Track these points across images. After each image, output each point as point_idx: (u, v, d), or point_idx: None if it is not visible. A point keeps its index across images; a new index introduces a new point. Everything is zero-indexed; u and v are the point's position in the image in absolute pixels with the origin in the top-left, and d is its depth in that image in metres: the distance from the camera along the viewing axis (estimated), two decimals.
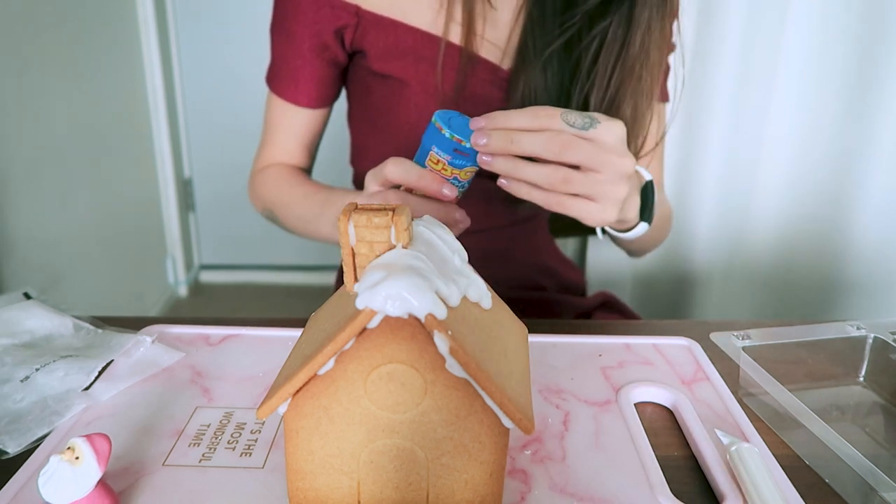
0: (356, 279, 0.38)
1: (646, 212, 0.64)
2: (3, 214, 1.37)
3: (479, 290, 0.40)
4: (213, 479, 0.44)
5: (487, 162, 0.53)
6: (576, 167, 0.52)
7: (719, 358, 0.59)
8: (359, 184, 0.87)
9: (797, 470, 0.46)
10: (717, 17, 1.23)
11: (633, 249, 0.85)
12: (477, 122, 0.53)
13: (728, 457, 0.44)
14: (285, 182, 0.79)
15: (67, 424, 0.49)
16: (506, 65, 0.74)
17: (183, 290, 2.30)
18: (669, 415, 0.52)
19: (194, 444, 0.47)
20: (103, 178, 1.79)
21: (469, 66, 0.72)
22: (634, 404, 0.53)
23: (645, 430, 0.49)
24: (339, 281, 0.95)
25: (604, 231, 0.72)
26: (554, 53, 0.71)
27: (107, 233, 1.82)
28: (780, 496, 0.41)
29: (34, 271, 1.49)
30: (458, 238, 0.44)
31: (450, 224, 0.55)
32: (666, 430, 0.51)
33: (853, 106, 1.21)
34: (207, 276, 2.44)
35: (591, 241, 1.50)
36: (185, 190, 2.30)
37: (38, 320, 0.59)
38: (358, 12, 0.71)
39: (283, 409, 0.38)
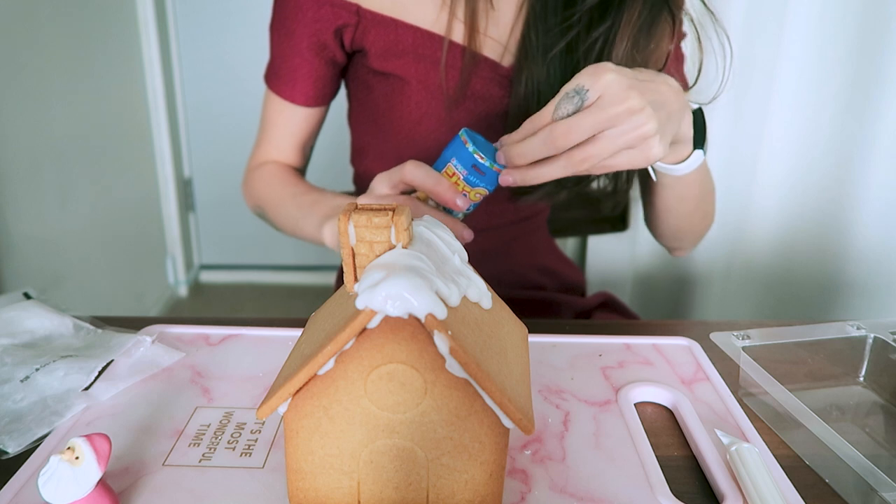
0: (356, 279, 0.38)
1: (698, 137, 0.62)
2: (3, 214, 1.37)
3: (479, 290, 0.40)
4: (213, 479, 0.44)
5: (510, 181, 0.55)
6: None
7: (719, 358, 0.59)
8: (359, 183, 0.87)
9: (797, 470, 0.46)
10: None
11: (684, 210, 0.76)
12: (500, 157, 0.55)
13: (728, 457, 0.44)
14: (277, 181, 0.80)
15: (67, 424, 0.49)
16: (507, 62, 0.74)
17: (183, 290, 2.30)
18: (669, 415, 0.52)
19: (194, 444, 0.47)
20: (103, 179, 1.79)
21: (472, 65, 0.72)
22: (634, 404, 0.53)
23: (645, 430, 0.49)
24: (339, 281, 0.95)
25: (654, 171, 0.68)
26: (558, 49, 0.71)
27: (107, 233, 1.82)
28: (780, 496, 0.41)
29: (34, 271, 1.49)
30: None
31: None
32: (666, 430, 0.51)
33: (853, 106, 1.20)
34: (207, 276, 2.44)
35: (591, 241, 1.50)
36: (185, 190, 2.30)
37: (38, 320, 0.59)
38: (358, 11, 0.71)
39: (283, 409, 0.38)
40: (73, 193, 1.64)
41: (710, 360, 0.59)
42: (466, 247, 0.44)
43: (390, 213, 0.37)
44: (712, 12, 0.69)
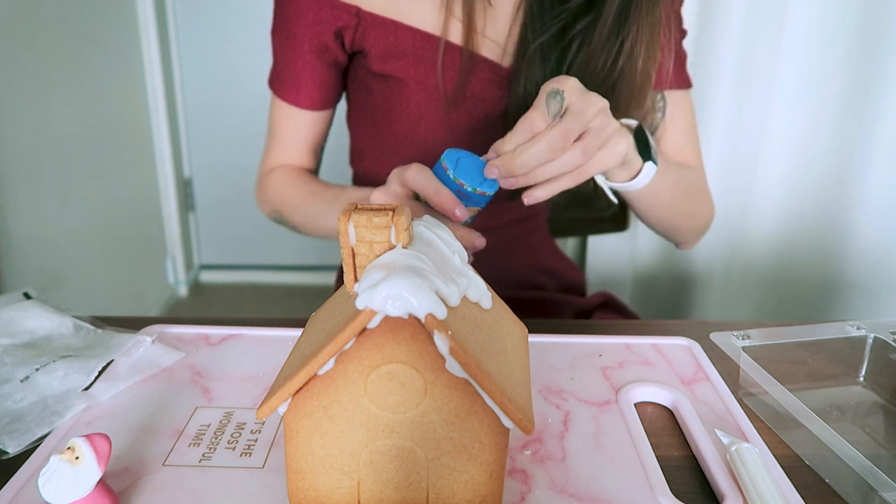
0: (356, 279, 0.38)
1: (644, 149, 0.65)
2: (3, 214, 1.37)
3: (479, 290, 0.40)
4: (213, 479, 0.44)
5: (513, 183, 0.56)
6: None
7: (719, 358, 0.59)
8: (358, 184, 0.87)
9: (797, 470, 0.46)
10: (717, 17, 1.22)
11: (661, 214, 0.77)
12: (490, 172, 0.55)
13: (728, 457, 0.44)
14: (292, 182, 0.79)
15: (67, 424, 0.49)
16: (506, 62, 0.74)
17: (183, 290, 2.30)
18: (669, 415, 0.52)
19: (194, 444, 0.47)
20: (103, 179, 1.79)
21: (470, 65, 0.72)
22: (634, 404, 0.53)
23: (645, 430, 0.49)
24: (339, 281, 0.95)
25: (616, 194, 0.71)
26: (554, 48, 0.71)
27: (107, 233, 1.82)
28: (780, 496, 0.41)
29: (34, 271, 1.49)
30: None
31: (467, 248, 0.56)
32: (666, 430, 0.51)
33: (853, 106, 1.20)
34: (207, 276, 2.44)
35: (591, 241, 1.49)
36: (185, 190, 2.30)
37: (38, 320, 0.59)
38: (358, 13, 0.71)
39: (283, 409, 0.38)
40: (73, 193, 1.64)
41: (710, 360, 0.59)
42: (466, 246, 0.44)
43: (390, 213, 0.37)
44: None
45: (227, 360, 0.57)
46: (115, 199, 1.86)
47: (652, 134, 0.75)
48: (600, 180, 0.67)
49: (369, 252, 0.37)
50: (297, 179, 0.80)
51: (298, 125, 0.80)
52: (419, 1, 0.71)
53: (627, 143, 0.59)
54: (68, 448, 0.38)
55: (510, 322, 0.43)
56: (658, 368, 0.57)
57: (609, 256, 1.47)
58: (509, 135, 0.55)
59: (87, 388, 0.52)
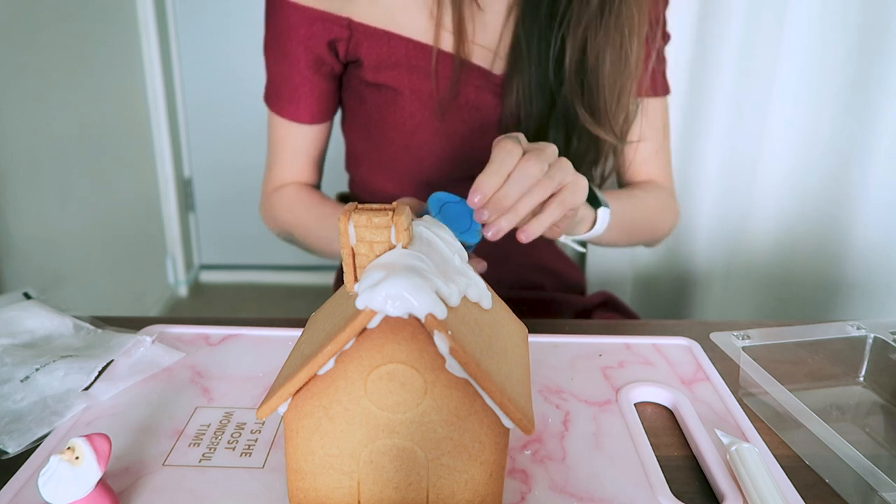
0: (356, 279, 0.38)
1: (592, 199, 0.66)
2: (3, 214, 1.37)
3: (479, 290, 0.40)
4: (213, 479, 0.44)
5: (497, 233, 0.54)
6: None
7: (719, 358, 0.59)
8: (355, 190, 0.87)
9: (797, 470, 0.46)
10: (717, 17, 1.22)
11: (624, 242, 0.81)
12: (479, 215, 0.53)
13: (728, 457, 0.44)
14: (301, 204, 0.79)
15: (67, 424, 0.49)
16: (498, 69, 0.74)
17: (183, 290, 2.30)
18: (669, 415, 0.52)
19: (194, 444, 0.47)
20: (103, 179, 1.79)
21: (462, 73, 0.72)
22: (634, 404, 0.53)
23: (645, 430, 0.49)
24: (339, 281, 0.95)
25: (584, 245, 0.73)
26: (546, 53, 0.71)
27: (107, 233, 1.82)
28: (780, 496, 0.41)
29: (34, 271, 1.49)
30: None
31: None
32: (666, 430, 0.51)
33: (853, 106, 1.20)
34: (207, 276, 2.44)
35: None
36: (185, 190, 2.30)
37: (38, 320, 0.59)
38: (350, 24, 0.71)
39: (283, 409, 0.38)
40: (73, 193, 1.64)
41: (710, 360, 0.59)
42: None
43: (390, 213, 0.37)
44: None
45: (227, 360, 0.57)
46: (115, 199, 1.86)
47: (608, 176, 0.78)
48: (563, 239, 0.68)
49: (369, 252, 0.37)
50: (306, 201, 0.79)
51: (300, 140, 0.80)
52: (410, 10, 0.71)
53: (585, 182, 0.57)
54: (68, 448, 0.38)
55: (510, 322, 0.43)
56: (658, 368, 0.57)
57: (609, 256, 1.47)
58: (487, 166, 0.52)
59: (87, 388, 0.52)
